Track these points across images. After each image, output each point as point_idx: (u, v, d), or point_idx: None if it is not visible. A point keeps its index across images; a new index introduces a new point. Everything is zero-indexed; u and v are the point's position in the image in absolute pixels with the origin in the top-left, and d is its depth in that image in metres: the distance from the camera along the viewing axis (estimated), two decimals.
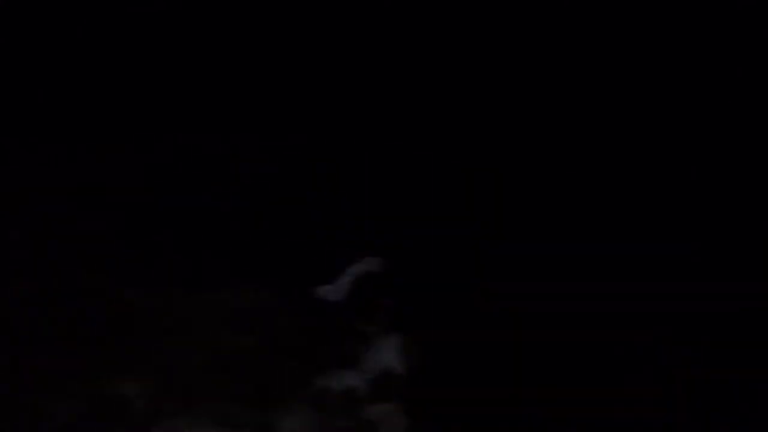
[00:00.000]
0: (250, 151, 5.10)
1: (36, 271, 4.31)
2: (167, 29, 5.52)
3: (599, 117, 5.08)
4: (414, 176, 4.93)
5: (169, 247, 4.58)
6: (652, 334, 4.04)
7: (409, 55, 5.40)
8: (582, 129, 5.07)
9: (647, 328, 4.05)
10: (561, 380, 3.90)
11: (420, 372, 4.07)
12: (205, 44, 5.51)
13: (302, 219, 4.73)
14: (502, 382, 3.94)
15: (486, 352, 4.06)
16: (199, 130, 5.23)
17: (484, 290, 4.18)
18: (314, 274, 4.45)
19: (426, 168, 4.96)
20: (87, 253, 4.43)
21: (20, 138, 5.09)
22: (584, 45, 5.22)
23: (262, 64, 5.51)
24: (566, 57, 5.24)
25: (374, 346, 4.16)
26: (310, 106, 5.34)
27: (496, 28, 5.37)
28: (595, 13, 5.22)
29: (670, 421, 3.76)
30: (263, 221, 4.71)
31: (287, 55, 5.54)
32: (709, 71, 5.04)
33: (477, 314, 4.18)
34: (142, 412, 3.72)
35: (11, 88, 5.32)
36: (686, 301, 4.06)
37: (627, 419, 3.74)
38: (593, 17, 5.23)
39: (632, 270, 4.28)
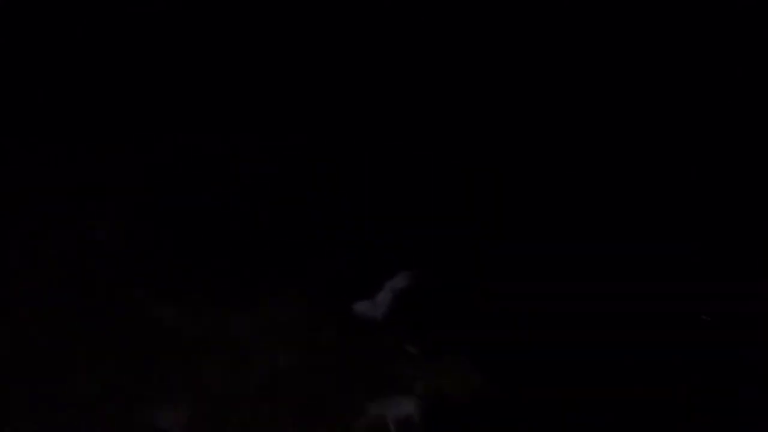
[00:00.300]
0: (250, 151, 5.10)
1: (38, 273, 4.29)
2: (167, 29, 5.52)
3: (599, 117, 5.08)
4: (414, 176, 4.94)
5: (177, 254, 4.42)
6: (652, 334, 4.04)
7: (409, 55, 5.40)
8: (582, 129, 5.07)
9: (647, 328, 4.05)
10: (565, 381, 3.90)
11: (480, 396, 3.79)
12: (205, 44, 5.51)
13: (303, 219, 4.73)
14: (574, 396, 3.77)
15: (550, 368, 3.88)
16: (199, 130, 5.23)
17: (486, 291, 4.18)
18: (349, 288, 4.22)
19: (426, 168, 4.97)
20: (89, 256, 4.41)
21: (20, 138, 5.09)
22: (584, 45, 5.22)
23: (261, 64, 5.51)
24: (566, 57, 5.25)
25: (426, 367, 3.86)
26: (310, 106, 5.34)
27: (496, 29, 5.37)
28: (595, 13, 5.22)
29: (669, 421, 3.76)
30: (266, 223, 4.69)
31: (287, 55, 5.54)
32: (709, 71, 5.05)
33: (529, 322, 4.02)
34: None
35: (11, 88, 5.32)
36: (686, 301, 4.07)
37: (627, 418, 3.74)
38: (593, 17, 5.23)
39: (632, 270, 4.28)
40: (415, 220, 4.66)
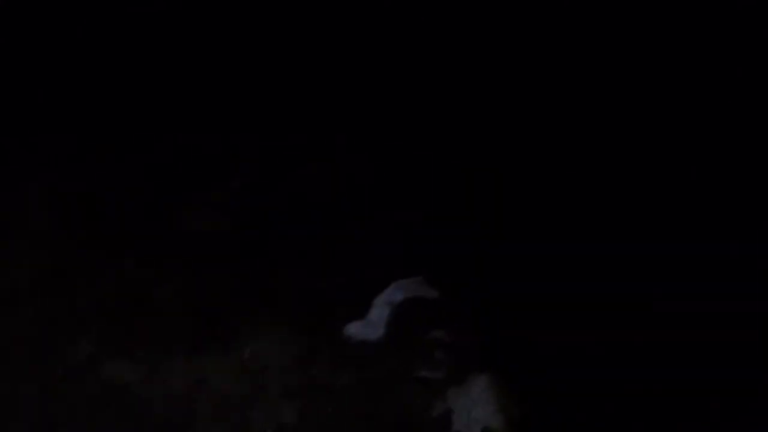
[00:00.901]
0: (250, 151, 5.10)
1: (37, 279, 4.25)
2: (167, 29, 5.52)
3: (599, 117, 5.07)
4: (414, 176, 4.94)
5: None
6: (652, 334, 4.04)
7: (409, 55, 5.40)
8: (582, 129, 5.07)
9: (647, 329, 4.05)
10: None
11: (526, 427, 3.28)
12: (204, 44, 5.51)
13: (303, 222, 4.73)
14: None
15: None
16: (199, 130, 5.23)
17: (486, 291, 4.17)
18: (332, 306, 3.67)
19: (426, 168, 4.97)
20: (90, 261, 4.38)
21: (20, 138, 5.09)
22: (584, 45, 5.22)
23: (261, 63, 5.51)
24: (566, 57, 5.24)
25: (452, 398, 3.25)
26: (310, 106, 5.34)
27: (495, 28, 5.37)
28: (595, 13, 5.22)
29: (668, 422, 3.76)
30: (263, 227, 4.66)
31: (287, 54, 5.54)
32: (709, 71, 5.04)
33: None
34: None
35: (11, 88, 5.32)
36: (686, 301, 4.06)
37: (626, 419, 3.74)
38: (593, 17, 5.23)
39: (632, 270, 4.28)
40: (414, 220, 4.66)
